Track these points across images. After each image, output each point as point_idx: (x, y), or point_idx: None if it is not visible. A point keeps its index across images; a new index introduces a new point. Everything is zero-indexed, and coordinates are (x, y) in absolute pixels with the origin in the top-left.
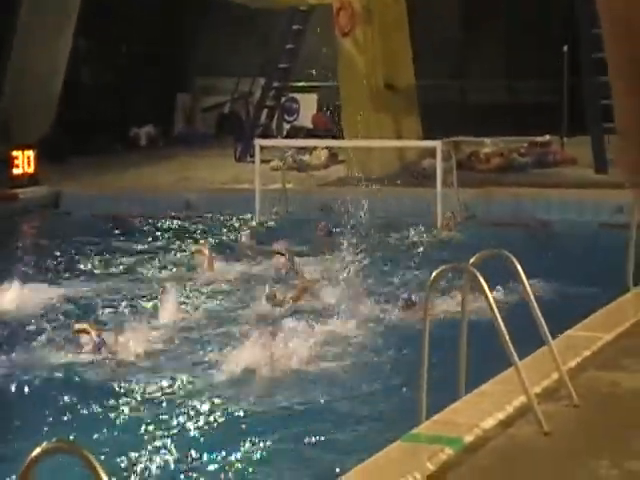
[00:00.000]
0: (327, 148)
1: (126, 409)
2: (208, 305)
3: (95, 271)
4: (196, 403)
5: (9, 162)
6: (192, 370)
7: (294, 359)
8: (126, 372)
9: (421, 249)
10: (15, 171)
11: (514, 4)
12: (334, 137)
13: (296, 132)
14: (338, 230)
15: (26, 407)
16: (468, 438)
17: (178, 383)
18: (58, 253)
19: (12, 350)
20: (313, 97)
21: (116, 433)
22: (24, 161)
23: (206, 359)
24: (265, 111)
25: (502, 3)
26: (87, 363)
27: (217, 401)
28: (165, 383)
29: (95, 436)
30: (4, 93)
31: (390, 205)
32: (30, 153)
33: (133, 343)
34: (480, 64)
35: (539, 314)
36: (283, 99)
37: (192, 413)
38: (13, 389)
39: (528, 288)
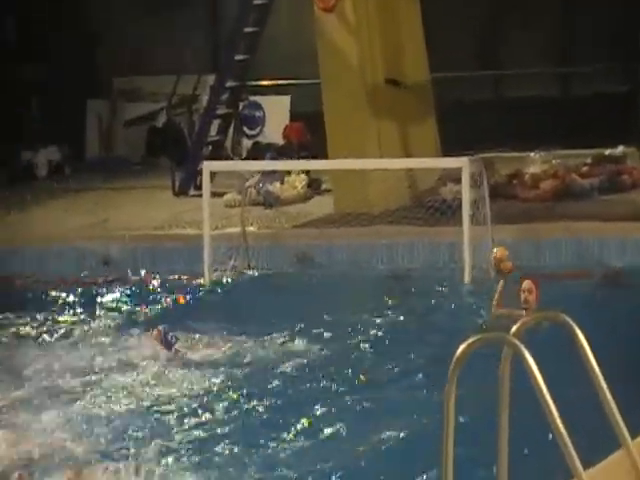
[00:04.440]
0: (306, 172)
1: None
2: None
3: None
4: None
5: None
6: None
7: None
8: None
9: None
10: None
11: None
12: (314, 156)
13: (261, 151)
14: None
15: None
16: None
17: None
18: None
19: None
20: (284, 100)
21: None
22: None
23: None
24: (217, 122)
25: None
26: None
27: None
28: None
29: None
30: None
31: (397, 253)
32: None
33: None
34: (523, 47)
35: (611, 401)
36: (242, 105)
37: None
38: None
39: (595, 366)
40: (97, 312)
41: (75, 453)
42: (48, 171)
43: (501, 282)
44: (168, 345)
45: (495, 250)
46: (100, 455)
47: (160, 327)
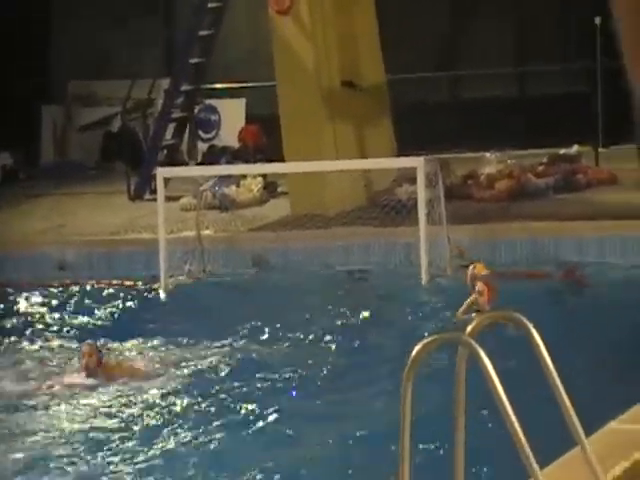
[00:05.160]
0: (262, 176)
1: None
2: None
3: None
4: None
5: None
6: None
7: None
8: None
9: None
10: None
11: None
12: (270, 159)
13: (217, 154)
14: None
15: None
16: None
17: None
18: None
19: None
20: (240, 103)
21: None
22: None
23: None
24: (172, 126)
25: None
26: None
27: None
28: None
29: None
30: None
31: (353, 254)
32: None
33: None
34: (478, 48)
35: (566, 400)
36: (197, 108)
37: None
38: None
39: (550, 365)
40: (47, 318)
41: None
42: (2, 177)
43: (473, 296)
44: (97, 361)
45: (472, 267)
46: None
47: (91, 341)
